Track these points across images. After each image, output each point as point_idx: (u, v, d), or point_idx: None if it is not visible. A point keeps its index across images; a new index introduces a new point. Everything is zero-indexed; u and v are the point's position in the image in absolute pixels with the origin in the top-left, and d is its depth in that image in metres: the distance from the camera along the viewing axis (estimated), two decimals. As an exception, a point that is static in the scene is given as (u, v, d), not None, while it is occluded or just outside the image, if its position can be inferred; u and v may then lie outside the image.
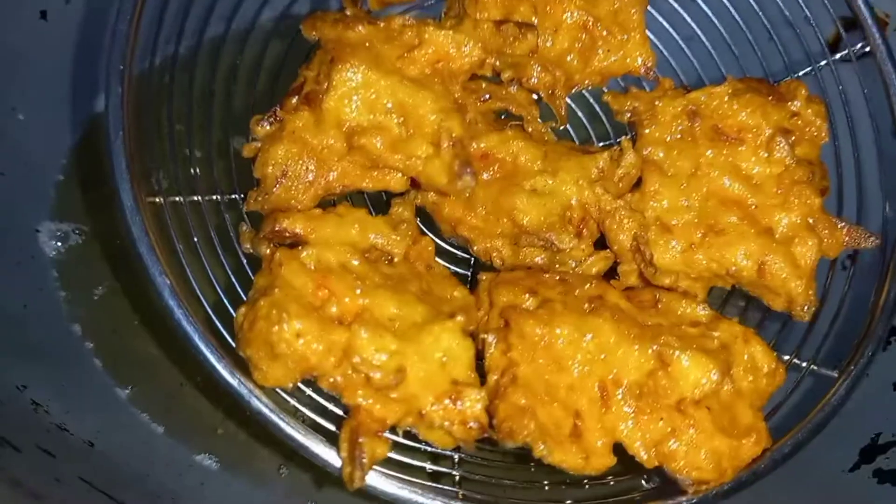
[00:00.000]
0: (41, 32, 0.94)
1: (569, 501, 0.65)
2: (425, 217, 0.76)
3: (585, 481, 0.68)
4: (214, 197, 0.71)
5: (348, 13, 0.74)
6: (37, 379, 0.83)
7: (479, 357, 0.67)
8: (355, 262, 0.66)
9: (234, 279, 0.68)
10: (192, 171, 0.70)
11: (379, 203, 0.77)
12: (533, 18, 0.77)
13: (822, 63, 0.81)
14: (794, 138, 0.74)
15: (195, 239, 0.66)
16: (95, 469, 0.77)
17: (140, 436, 0.87)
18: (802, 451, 0.84)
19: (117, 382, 0.89)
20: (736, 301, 0.83)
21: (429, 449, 0.66)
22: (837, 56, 0.81)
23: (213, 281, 0.66)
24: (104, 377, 0.89)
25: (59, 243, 0.93)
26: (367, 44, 0.69)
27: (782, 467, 0.84)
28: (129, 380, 0.89)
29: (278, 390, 0.63)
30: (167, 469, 0.85)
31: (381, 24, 0.70)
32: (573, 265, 0.74)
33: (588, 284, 0.71)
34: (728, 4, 0.83)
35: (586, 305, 0.69)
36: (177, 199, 0.68)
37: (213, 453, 0.87)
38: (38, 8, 0.94)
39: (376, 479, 0.62)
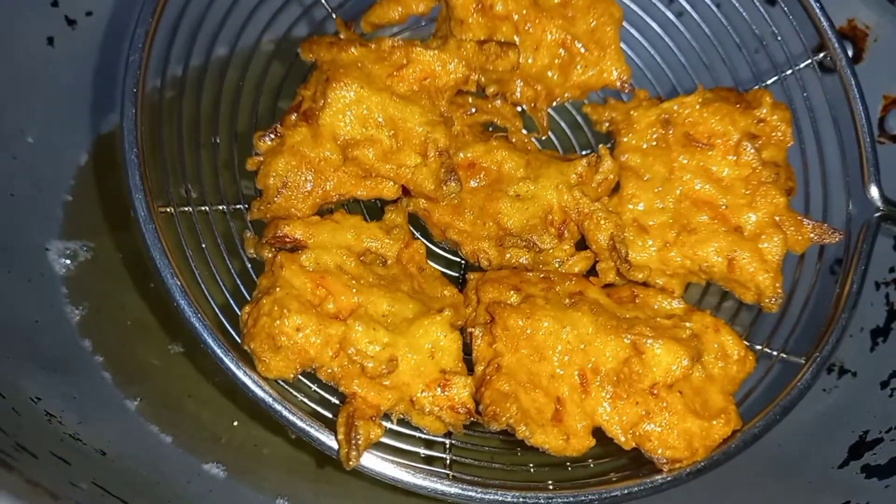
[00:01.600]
0: (48, 58, 0.97)
1: (550, 482, 0.68)
2: (418, 223, 0.81)
3: (567, 463, 0.72)
4: (221, 207, 0.75)
5: (342, 36, 0.79)
6: (50, 391, 0.85)
7: (469, 351, 0.72)
8: (351, 264, 0.71)
9: (239, 281, 0.72)
10: (200, 183, 0.74)
11: (374, 210, 0.81)
12: (515, 37, 0.83)
13: (788, 72, 0.86)
14: (760, 142, 0.79)
15: (203, 245, 0.71)
16: (108, 476, 0.78)
17: (149, 445, 0.88)
18: (793, 449, 0.89)
19: (126, 394, 0.90)
20: (713, 295, 0.87)
21: (422, 436, 0.70)
22: (802, 65, 0.85)
23: (220, 283, 0.71)
24: (114, 389, 0.90)
25: (69, 261, 0.95)
26: (360, 64, 0.74)
27: (774, 464, 0.88)
28: (138, 392, 0.91)
29: (280, 381, 0.68)
30: (177, 477, 0.86)
31: (373, 46, 0.75)
32: (557, 264, 0.79)
33: (569, 281, 0.76)
34: (700, 21, 0.88)
35: (567, 301, 0.73)
36: (186, 209, 0.72)
37: (220, 462, 0.89)
38: (45, 34, 0.97)
39: (372, 461, 0.66)
